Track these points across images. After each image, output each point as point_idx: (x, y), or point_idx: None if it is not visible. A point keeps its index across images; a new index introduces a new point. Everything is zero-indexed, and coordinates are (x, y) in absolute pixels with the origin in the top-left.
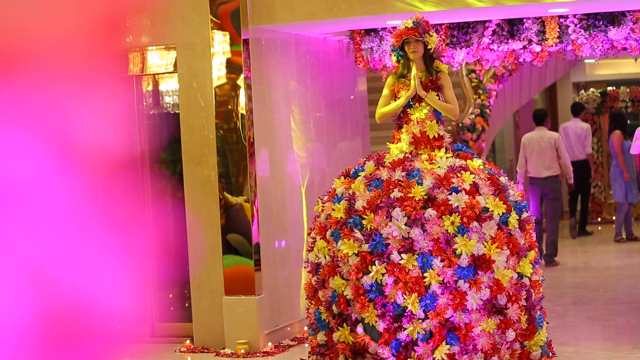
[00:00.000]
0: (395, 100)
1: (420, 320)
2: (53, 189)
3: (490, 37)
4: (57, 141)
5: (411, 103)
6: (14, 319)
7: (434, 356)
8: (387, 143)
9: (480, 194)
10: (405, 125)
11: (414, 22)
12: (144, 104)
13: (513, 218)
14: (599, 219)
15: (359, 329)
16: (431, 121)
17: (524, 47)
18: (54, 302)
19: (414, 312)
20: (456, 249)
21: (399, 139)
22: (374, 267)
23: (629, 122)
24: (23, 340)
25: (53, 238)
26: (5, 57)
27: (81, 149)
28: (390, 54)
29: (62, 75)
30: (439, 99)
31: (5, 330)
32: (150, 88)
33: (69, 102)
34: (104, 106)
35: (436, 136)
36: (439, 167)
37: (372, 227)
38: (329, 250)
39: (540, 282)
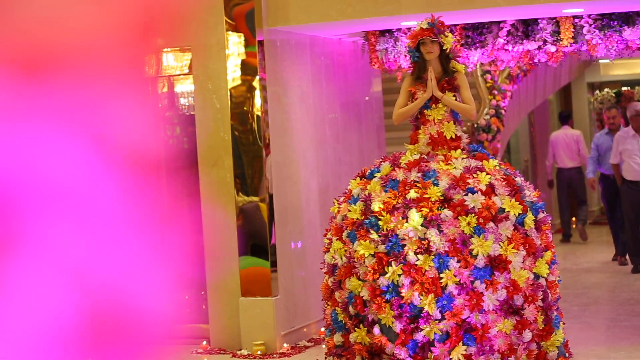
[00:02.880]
0: (412, 101)
1: (437, 321)
2: (95, 189)
3: (505, 37)
4: (95, 141)
5: (428, 104)
6: (59, 318)
7: (450, 357)
8: (405, 143)
9: (496, 195)
10: (422, 126)
11: (429, 22)
12: (160, 105)
13: (529, 218)
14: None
15: (376, 330)
16: (448, 122)
17: (539, 48)
18: (95, 303)
19: (431, 313)
20: (472, 250)
21: (417, 140)
22: (390, 268)
23: None
24: (67, 340)
25: (95, 238)
26: (45, 55)
27: (116, 150)
28: (406, 55)
29: (99, 74)
30: (456, 99)
31: (50, 330)
32: (165, 90)
33: (103, 102)
34: (136, 107)
35: (453, 137)
36: (454, 167)
37: (389, 228)
38: (345, 251)
39: (556, 282)
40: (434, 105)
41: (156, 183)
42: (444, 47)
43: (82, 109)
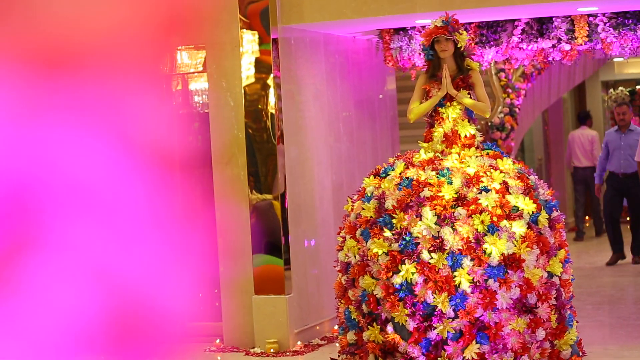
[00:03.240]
0: (426, 99)
1: (450, 320)
2: (115, 187)
3: (519, 35)
4: (116, 139)
5: (442, 102)
6: (81, 315)
7: (464, 355)
8: (419, 141)
9: (510, 193)
10: (436, 123)
11: (443, 20)
12: (174, 103)
13: (543, 217)
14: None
15: (389, 328)
16: (463, 120)
17: (553, 46)
18: (115, 300)
19: (444, 311)
20: (486, 248)
21: (431, 138)
22: (404, 266)
23: None
24: (90, 337)
25: (115, 236)
26: (66, 53)
27: (137, 147)
28: (421, 53)
29: (119, 73)
30: (470, 97)
31: (73, 326)
32: (179, 88)
33: (124, 100)
34: (156, 105)
35: (468, 135)
36: (468, 166)
37: (402, 226)
38: (359, 249)
39: (570, 281)
40: (448, 103)
41: (172, 181)
42: (459, 45)
43: (102, 107)
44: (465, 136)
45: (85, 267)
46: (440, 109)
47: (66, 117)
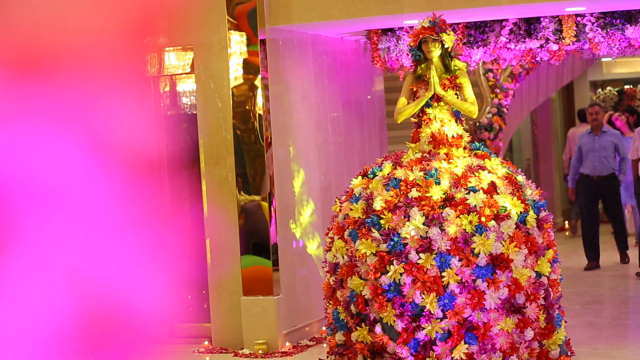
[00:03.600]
0: (414, 99)
1: (439, 320)
2: (91, 190)
3: (507, 36)
4: (90, 142)
5: (430, 102)
6: (53, 317)
7: (452, 355)
8: (406, 142)
9: (498, 193)
10: (424, 124)
11: (430, 21)
12: (162, 105)
13: (531, 217)
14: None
15: (378, 328)
16: (450, 120)
17: (541, 46)
18: (89, 302)
19: (433, 312)
20: (474, 248)
21: (419, 138)
22: (392, 266)
23: None
24: (60, 338)
25: (91, 239)
26: (43, 54)
27: (112, 150)
28: (408, 54)
29: (97, 74)
30: (458, 97)
31: (44, 328)
32: (167, 89)
33: (98, 102)
34: (131, 107)
35: (455, 135)
36: (456, 166)
37: (390, 227)
38: (347, 250)
39: (558, 281)
40: (435, 104)
41: (157, 182)
42: (446, 46)
43: (79, 109)
44: (453, 136)
45: (61, 269)
46: (427, 109)
47: (41, 118)
